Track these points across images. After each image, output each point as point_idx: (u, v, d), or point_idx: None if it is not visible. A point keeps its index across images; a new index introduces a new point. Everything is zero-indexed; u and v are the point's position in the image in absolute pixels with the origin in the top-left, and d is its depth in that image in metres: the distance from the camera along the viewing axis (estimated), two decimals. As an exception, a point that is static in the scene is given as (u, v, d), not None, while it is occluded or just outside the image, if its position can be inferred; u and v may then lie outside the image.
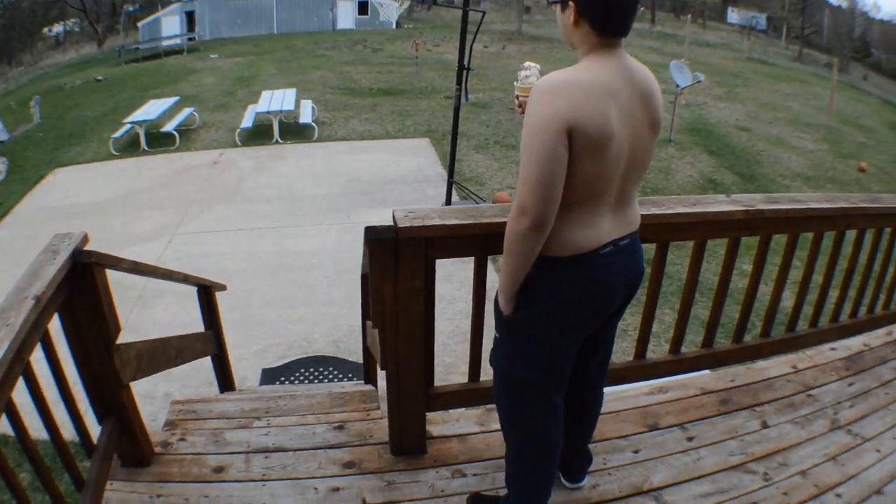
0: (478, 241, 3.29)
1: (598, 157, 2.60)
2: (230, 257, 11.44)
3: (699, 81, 19.84)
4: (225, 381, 6.66)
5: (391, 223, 3.15)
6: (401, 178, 15.39)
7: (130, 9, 55.92)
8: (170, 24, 47.31)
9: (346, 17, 52.42)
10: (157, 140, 18.34)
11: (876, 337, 5.49)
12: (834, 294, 5.05)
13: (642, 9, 74.28)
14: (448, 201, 12.77)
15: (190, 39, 45.24)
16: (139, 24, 49.41)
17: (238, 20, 49.27)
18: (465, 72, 11.74)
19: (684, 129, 21.28)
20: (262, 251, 11.67)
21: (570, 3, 2.63)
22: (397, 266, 3.16)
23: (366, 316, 5.33)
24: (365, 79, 27.39)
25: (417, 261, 3.19)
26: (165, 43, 43.54)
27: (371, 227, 3.08)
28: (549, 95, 2.52)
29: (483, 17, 11.55)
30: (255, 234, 12.41)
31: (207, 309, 6.32)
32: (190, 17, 48.31)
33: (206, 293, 6.29)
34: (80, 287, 3.03)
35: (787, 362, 5.01)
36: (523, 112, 2.98)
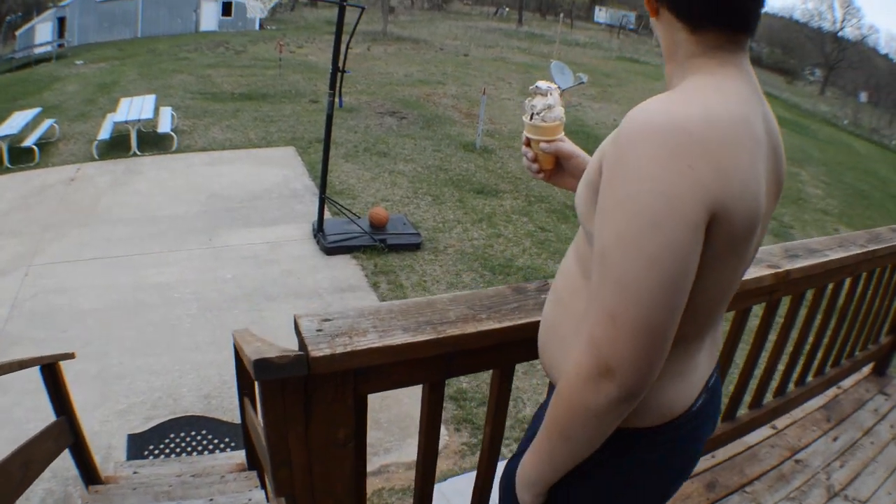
0: (438, 363, 2.03)
1: (734, 260, 1.53)
2: (85, 293, 9.99)
3: (582, 83, 19.06)
4: (88, 472, 5.48)
5: (293, 348, 1.85)
6: (265, 192, 14.13)
7: (10, 18, 53.52)
8: (43, 31, 45.24)
9: (210, 18, 50.83)
10: (20, 156, 16.50)
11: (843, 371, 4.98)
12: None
13: (507, 9, 74.74)
14: (320, 220, 11.62)
15: (59, 46, 43.17)
16: (17, 33, 47.07)
17: (105, 24, 47.15)
18: (339, 75, 10.53)
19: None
20: (119, 284, 10.27)
21: None
22: (310, 412, 1.82)
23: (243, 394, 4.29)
24: (227, 83, 25.79)
25: (342, 402, 1.86)
26: (38, 50, 41.06)
27: (264, 362, 1.67)
28: (679, 150, 1.35)
29: (361, 13, 10.38)
30: (111, 263, 10.96)
31: (55, 390, 5.02)
32: (62, 22, 46.38)
33: (51, 372, 4.97)
34: None
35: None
36: (542, 171, 1.96)
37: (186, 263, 10.96)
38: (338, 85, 10.65)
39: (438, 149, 17.88)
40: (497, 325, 1.99)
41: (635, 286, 1.34)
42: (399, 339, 1.85)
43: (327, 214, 12.21)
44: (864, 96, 72.83)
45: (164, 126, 17.76)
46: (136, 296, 9.95)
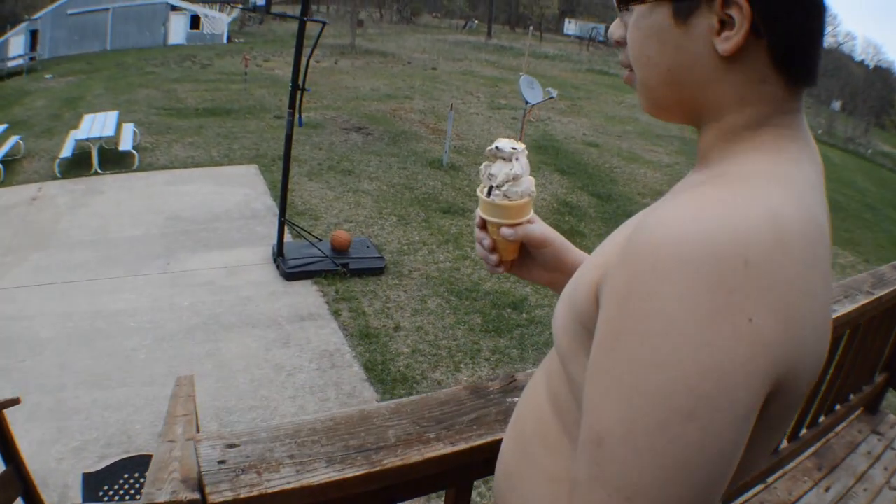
0: (374, 498, 1.60)
1: (790, 418, 1.08)
2: (42, 320, 9.58)
3: (552, 97, 18.81)
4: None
5: (190, 484, 1.41)
6: (226, 213, 13.71)
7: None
8: (17, 45, 44.71)
9: (178, 31, 50.46)
10: (-13, 174, 16.15)
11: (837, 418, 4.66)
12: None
13: (477, 22, 74.78)
14: (280, 244, 11.20)
15: (31, 59, 42.65)
16: (-9, 47, 46.67)
17: (76, 37, 46.69)
18: (299, 93, 10.15)
19: (531, 147, 20.02)
20: (77, 312, 9.85)
21: (737, 4, 0.99)
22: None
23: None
24: (191, 97, 25.36)
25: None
26: (10, 64, 40.32)
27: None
28: (734, 293, 0.86)
29: (323, 28, 10.02)
30: (70, 289, 10.53)
31: (1, 438, 4.77)
32: (34, 35, 45.89)
33: (-6, 421, 4.69)
34: None
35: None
36: (503, 264, 1.67)
37: (143, 290, 10.56)
38: (297, 103, 10.26)
39: (404, 166, 17.52)
40: (449, 449, 1.56)
41: (647, 499, 0.88)
42: (321, 475, 1.44)
43: (288, 237, 11.80)
44: (837, 105, 73.15)
45: (126, 143, 17.35)
46: (94, 324, 9.58)
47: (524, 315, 10.48)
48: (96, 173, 16.06)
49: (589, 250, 1.57)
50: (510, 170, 1.49)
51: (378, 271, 11.27)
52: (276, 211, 12.06)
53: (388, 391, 8.16)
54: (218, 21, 50.21)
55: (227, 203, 14.23)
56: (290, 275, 10.83)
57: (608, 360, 0.94)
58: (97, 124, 18.13)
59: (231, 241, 12.34)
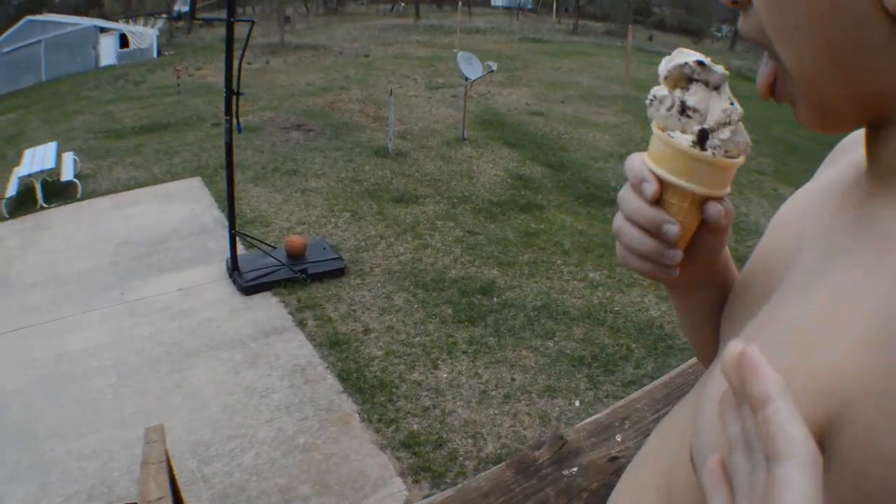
0: None
1: None
2: (8, 372, 9.19)
3: (492, 71, 18.53)
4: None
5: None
6: (174, 231, 13.28)
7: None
8: None
9: (109, 52, 49.58)
10: (-64, 223, 15.62)
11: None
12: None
13: (404, 4, 74.41)
14: (234, 257, 10.85)
15: None
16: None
17: (11, 74, 45.89)
18: (235, 97, 9.79)
19: (475, 124, 20.11)
20: (38, 357, 9.46)
21: None
22: None
23: None
24: (127, 117, 24.67)
25: None
26: None
27: None
28: None
29: (252, 27, 9.65)
30: (29, 334, 10.13)
31: None
32: None
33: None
34: None
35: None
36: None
37: (101, 325, 10.16)
38: (234, 109, 9.89)
39: (350, 158, 17.11)
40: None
41: None
42: None
43: (241, 249, 11.40)
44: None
45: (68, 173, 16.87)
46: (57, 368, 9.21)
47: (495, 299, 10.22)
48: (42, 208, 15.62)
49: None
50: (725, 104, 0.85)
51: (338, 273, 10.94)
52: (226, 223, 11.72)
53: (367, 400, 7.88)
54: (145, 36, 49.61)
55: (175, 221, 13.84)
56: (248, 288, 10.48)
57: None
58: (37, 158, 17.69)
59: (183, 261, 11.96)
